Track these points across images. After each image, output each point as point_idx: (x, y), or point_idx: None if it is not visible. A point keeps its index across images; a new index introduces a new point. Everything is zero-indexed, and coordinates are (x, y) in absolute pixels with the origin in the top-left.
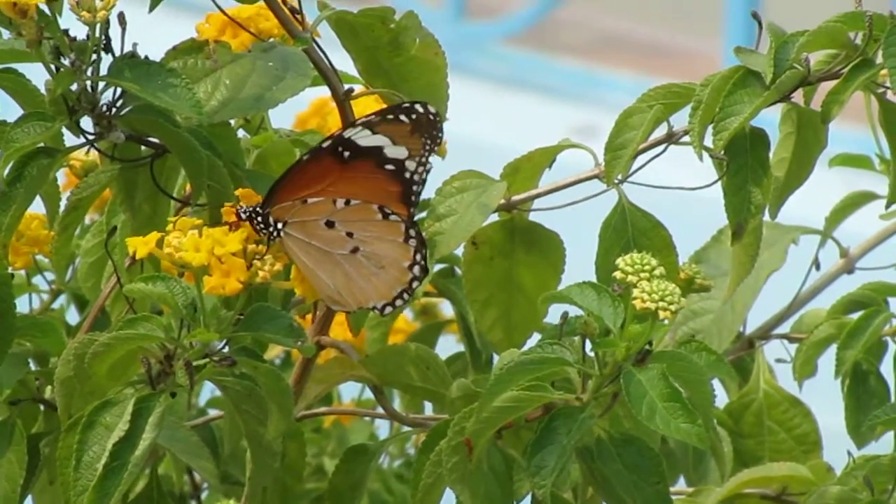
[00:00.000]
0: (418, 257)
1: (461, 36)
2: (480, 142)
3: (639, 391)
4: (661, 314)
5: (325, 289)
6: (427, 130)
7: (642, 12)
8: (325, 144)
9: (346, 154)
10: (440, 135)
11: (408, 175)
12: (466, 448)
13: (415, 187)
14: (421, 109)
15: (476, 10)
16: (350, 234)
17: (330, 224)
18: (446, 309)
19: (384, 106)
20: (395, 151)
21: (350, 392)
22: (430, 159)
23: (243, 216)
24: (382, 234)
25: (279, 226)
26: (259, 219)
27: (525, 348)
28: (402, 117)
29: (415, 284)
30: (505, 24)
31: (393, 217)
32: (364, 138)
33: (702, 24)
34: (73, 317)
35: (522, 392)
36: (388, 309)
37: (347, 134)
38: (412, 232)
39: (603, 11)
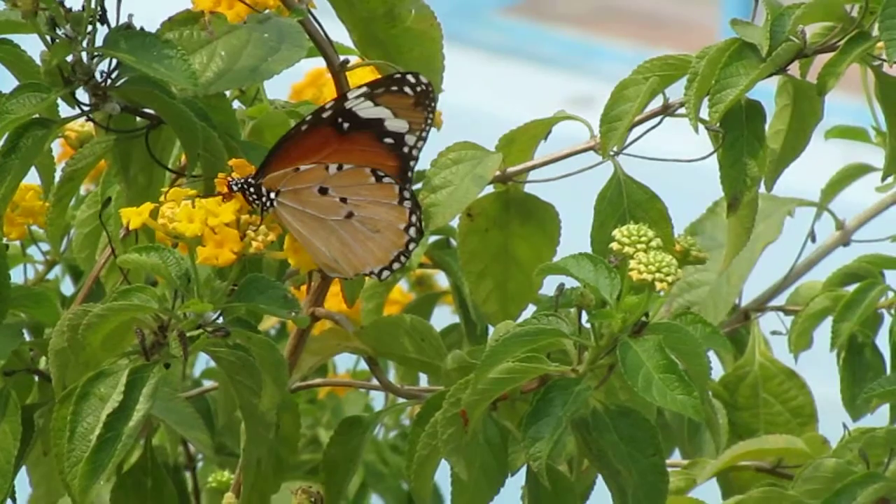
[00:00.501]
0: (413, 219)
1: (457, 5)
2: (476, 112)
3: (635, 363)
4: (658, 286)
5: (321, 256)
6: (425, 104)
7: None
8: (324, 114)
9: (346, 125)
10: (434, 106)
11: (406, 150)
12: (462, 420)
13: (411, 163)
14: (413, 80)
15: None
16: (344, 200)
17: (323, 191)
18: (441, 280)
19: (379, 77)
20: (396, 125)
21: (345, 363)
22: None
23: (235, 188)
24: (376, 197)
25: (272, 196)
26: (251, 189)
27: (520, 320)
28: (406, 89)
29: (411, 246)
30: None
31: (386, 179)
32: (365, 109)
33: None
34: (67, 287)
35: (518, 363)
36: (386, 273)
37: (349, 105)
38: (406, 194)
39: None
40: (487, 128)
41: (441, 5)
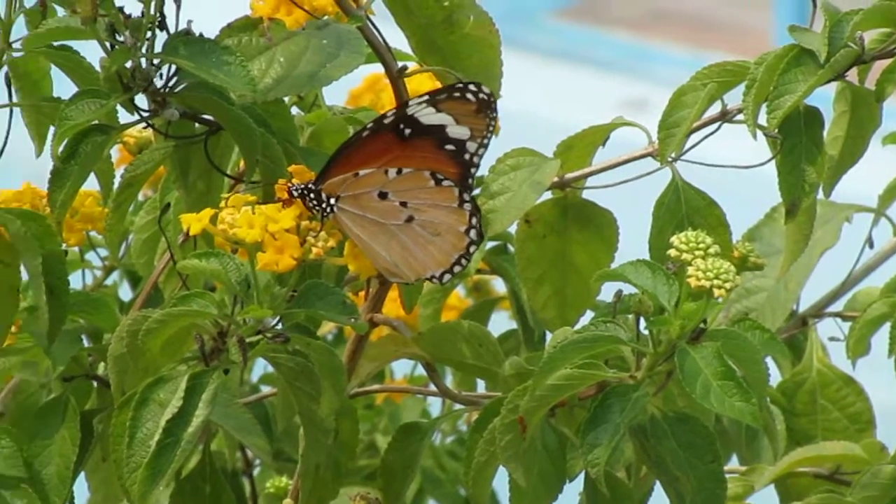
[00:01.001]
0: (474, 221)
1: (512, 9)
2: (531, 115)
3: (693, 369)
4: (716, 292)
5: (382, 261)
6: (486, 111)
7: None
8: (386, 121)
9: (408, 132)
10: (495, 114)
11: (467, 157)
12: (520, 426)
13: (472, 170)
14: (475, 88)
15: None
16: (404, 204)
17: (383, 195)
18: (499, 286)
19: (438, 84)
20: (458, 131)
21: (402, 369)
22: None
23: (295, 193)
24: (436, 200)
25: (332, 201)
26: (311, 195)
27: (578, 326)
28: (469, 96)
29: (472, 249)
30: None
31: (446, 182)
32: (427, 116)
33: None
34: (125, 293)
35: (576, 370)
36: (447, 277)
37: (411, 111)
38: (466, 196)
39: None
40: (542, 131)
41: (495, 9)
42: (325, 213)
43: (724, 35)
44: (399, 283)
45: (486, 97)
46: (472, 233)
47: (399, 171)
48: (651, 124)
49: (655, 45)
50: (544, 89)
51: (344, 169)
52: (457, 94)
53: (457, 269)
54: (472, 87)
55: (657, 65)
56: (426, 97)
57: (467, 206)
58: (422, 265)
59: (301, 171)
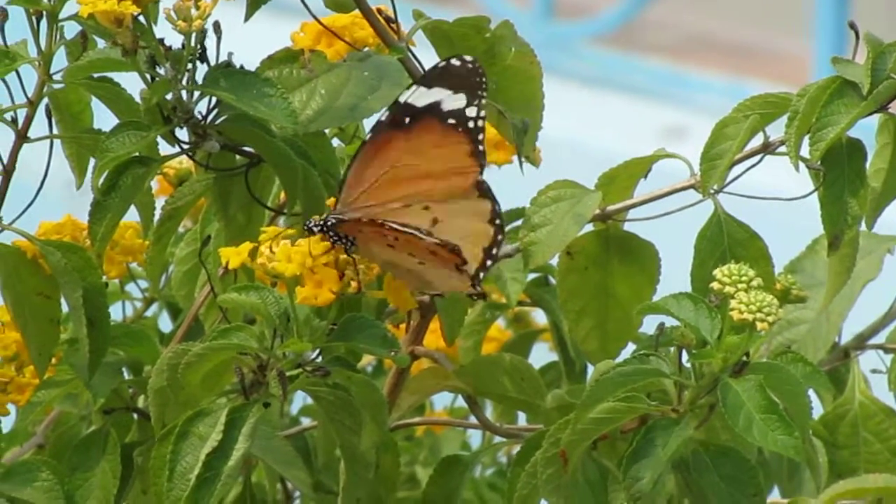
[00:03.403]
0: (497, 209)
1: (549, 36)
2: (568, 142)
3: (736, 402)
4: (759, 325)
5: (414, 281)
6: (474, 76)
7: (730, 12)
8: (384, 119)
9: (407, 119)
10: (484, 78)
11: (471, 124)
12: (562, 459)
13: (479, 136)
14: (457, 62)
15: (564, 10)
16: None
17: (391, 246)
18: (538, 317)
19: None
20: (454, 103)
21: (443, 401)
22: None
23: (315, 230)
24: (448, 217)
25: (349, 237)
26: (329, 230)
27: (620, 359)
28: (455, 62)
29: (499, 237)
30: (593, 24)
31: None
32: (421, 97)
33: (790, 24)
34: (165, 324)
35: (619, 403)
36: (482, 274)
37: (404, 97)
38: (484, 186)
39: (691, 11)
40: (579, 158)
41: (532, 36)
42: (347, 246)
43: (762, 62)
44: (435, 294)
45: (470, 63)
46: (497, 221)
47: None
48: (690, 152)
49: (692, 71)
50: (582, 117)
51: (358, 186)
52: (443, 66)
53: (488, 262)
54: (453, 59)
55: (695, 92)
56: (415, 82)
57: (486, 203)
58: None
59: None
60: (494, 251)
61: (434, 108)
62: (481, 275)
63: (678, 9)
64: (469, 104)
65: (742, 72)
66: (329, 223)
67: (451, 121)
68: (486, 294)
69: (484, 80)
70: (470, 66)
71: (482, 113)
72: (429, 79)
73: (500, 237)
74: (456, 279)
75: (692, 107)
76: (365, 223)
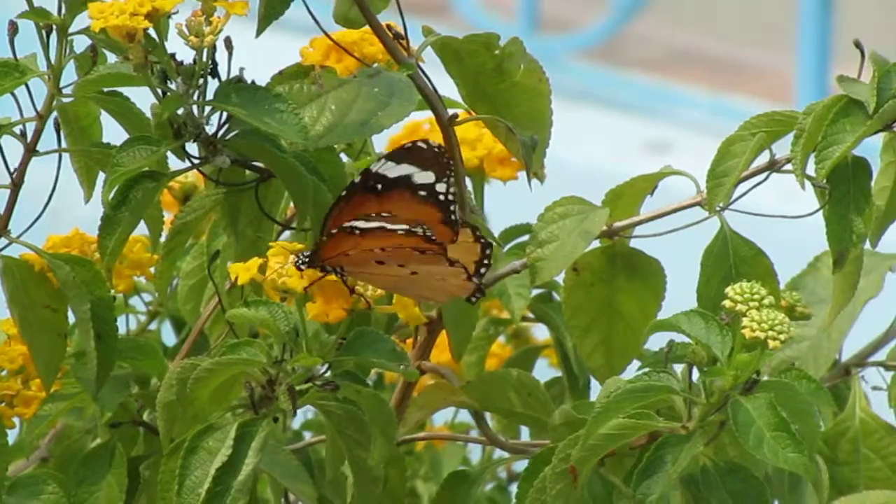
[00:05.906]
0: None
1: (534, 50)
2: (551, 157)
3: (746, 420)
4: (770, 343)
5: (412, 291)
6: (440, 158)
7: (714, 28)
8: (357, 181)
9: (379, 186)
10: (450, 160)
11: (441, 197)
12: (572, 475)
13: (452, 207)
14: (424, 146)
15: (549, 25)
16: (401, 265)
17: (380, 262)
18: (538, 333)
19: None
20: (423, 177)
21: (443, 416)
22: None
23: (302, 267)
24: (427, 261)
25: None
26: (318, 265)
27: (627, 375)
28: (421, 145)
29: (487, 252)
30: (577, 38)
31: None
32: (391, 169)
33: (774, 40)
34: (168, 337)
35: (629, 420)
36: (475, 279)
37: (374, 168)
38: (457, 228)
39: (675, 27)
40: (563, 173)
41: None
42: (340, 274)
43: (745, 77)
44: (435, 302)
45: (437, 148)
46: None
47: (382, 249)
48: (675, 166)
49: (676, 86)
50: (565, 131)
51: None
52: (409, 146)
53: (482, 270)
54: (419, 142)
55: (678, 106)
56: (384, 156)
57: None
58: (445, 294)
59: None
60: (487, 262)
61: (405, 181)
62: (482, 270)
63: (662, 24)
64: (438, 181)
65: (726, 87)
66: (304, 258)
67: (422, 193)
68: (484, 290)
69: (451, 163)
70: (436, 150)
71: (452, 189)
72: (397, 156)
73: (487, 251)
74: (452, 279)
75: (676, 121)
76: (341, 239)
